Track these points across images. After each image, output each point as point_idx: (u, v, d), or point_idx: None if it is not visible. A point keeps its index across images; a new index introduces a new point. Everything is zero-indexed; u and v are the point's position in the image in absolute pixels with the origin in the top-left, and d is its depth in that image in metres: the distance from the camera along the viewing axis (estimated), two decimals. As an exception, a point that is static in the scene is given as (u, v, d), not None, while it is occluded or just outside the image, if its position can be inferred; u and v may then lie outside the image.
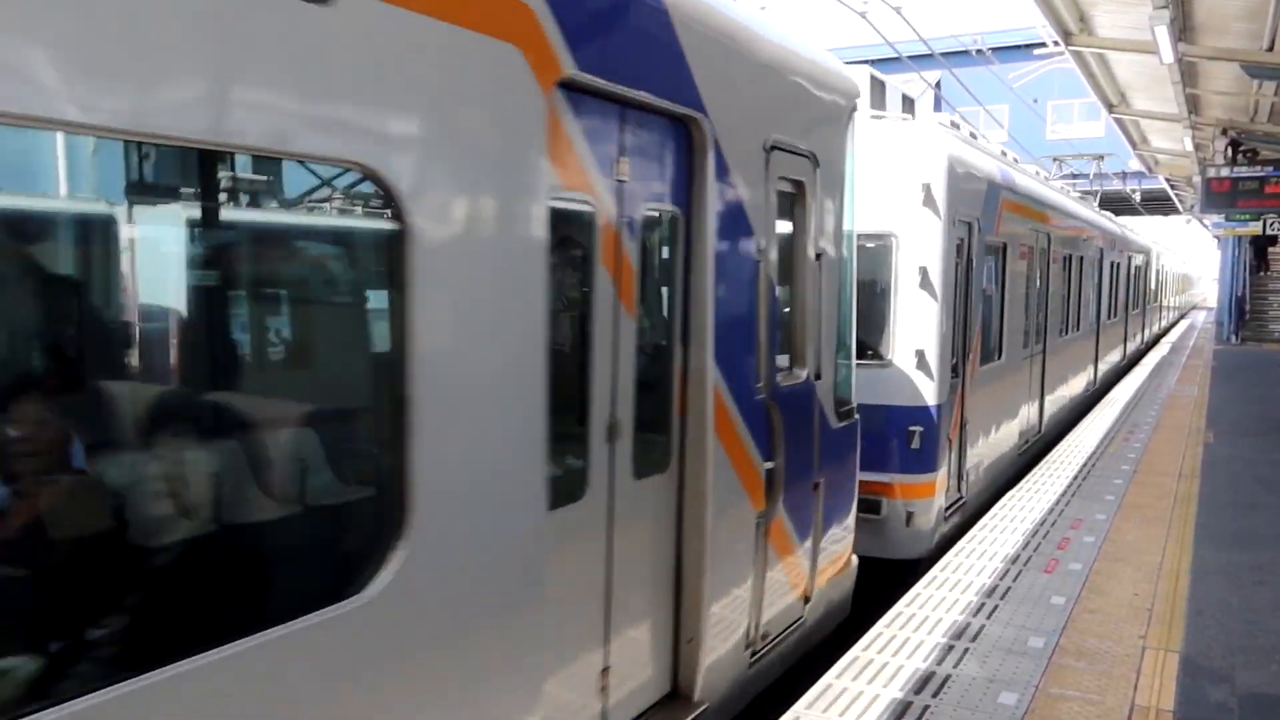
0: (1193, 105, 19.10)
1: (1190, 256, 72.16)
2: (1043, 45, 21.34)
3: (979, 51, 21.12)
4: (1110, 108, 21.24)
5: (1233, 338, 33.78)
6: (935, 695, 5.08)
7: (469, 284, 3.05)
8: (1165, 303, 42.37)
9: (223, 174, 2.78)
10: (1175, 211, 48.58)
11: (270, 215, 3.13)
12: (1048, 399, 13.42)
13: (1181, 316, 55.41)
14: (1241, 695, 5.20)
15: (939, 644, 5.76)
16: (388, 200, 2.77)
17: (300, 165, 2.83)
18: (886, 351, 8.16)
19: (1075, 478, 10.43)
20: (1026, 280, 11.76)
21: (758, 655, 5.22)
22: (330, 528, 3.09)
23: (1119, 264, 21.20)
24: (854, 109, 6.25)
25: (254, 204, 3.03)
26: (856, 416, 6.47)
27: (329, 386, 3.18)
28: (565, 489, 3.78)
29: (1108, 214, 21.85)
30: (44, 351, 2.54)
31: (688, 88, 4.27)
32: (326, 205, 3.15)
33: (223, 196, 2.85)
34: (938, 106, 22.04)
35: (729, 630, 4.92)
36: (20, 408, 2.30)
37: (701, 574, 4.58)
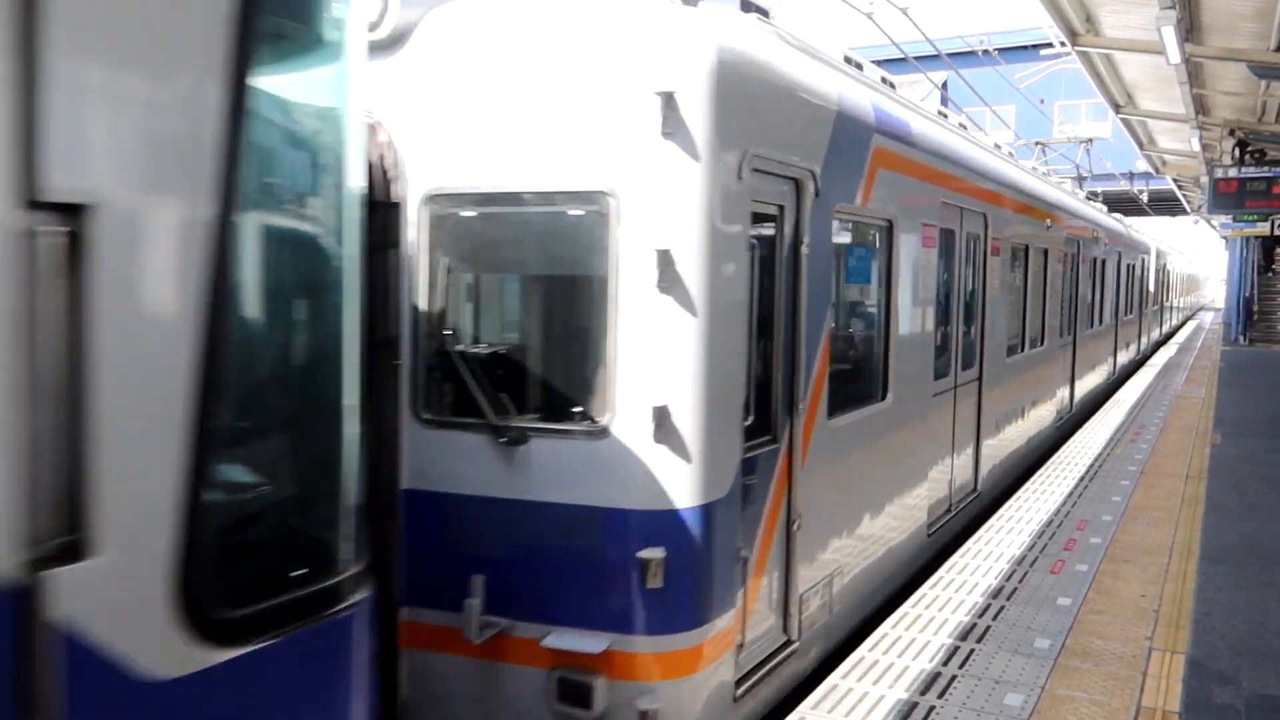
0: (1200, 106, 19.05)
1: (1196, 256, 71.94)
2: (1049, 46, 21.31)
3: (985, 52, 21.06)
4: (1117, 108, 21.20)
5: (1240, 338, 33.72)
6: (941, 696, 5.08)
7: None
8: (1172, 302, 42.12)
9: None
10: (1183, 212, 48.45)
11: None
12: (986, 453, 9.62)
13: (1189, 318, 55.18)
14: (1248, 697, 5.19)
15: (945, 645, 5.76)
16: None
17: None
18: (600, 410, 4.41)
19: (1082, 479, 10.41)
20: (941, 280, 8.20)
21: None
22: None
23: (1106, 261, 17.59)
24: None
25: None
26: None
27: None
28: None
29: (1098, 205, 19.62)
30: None
31: None
32: None
33: None
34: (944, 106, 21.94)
35: None
36: None
37: None
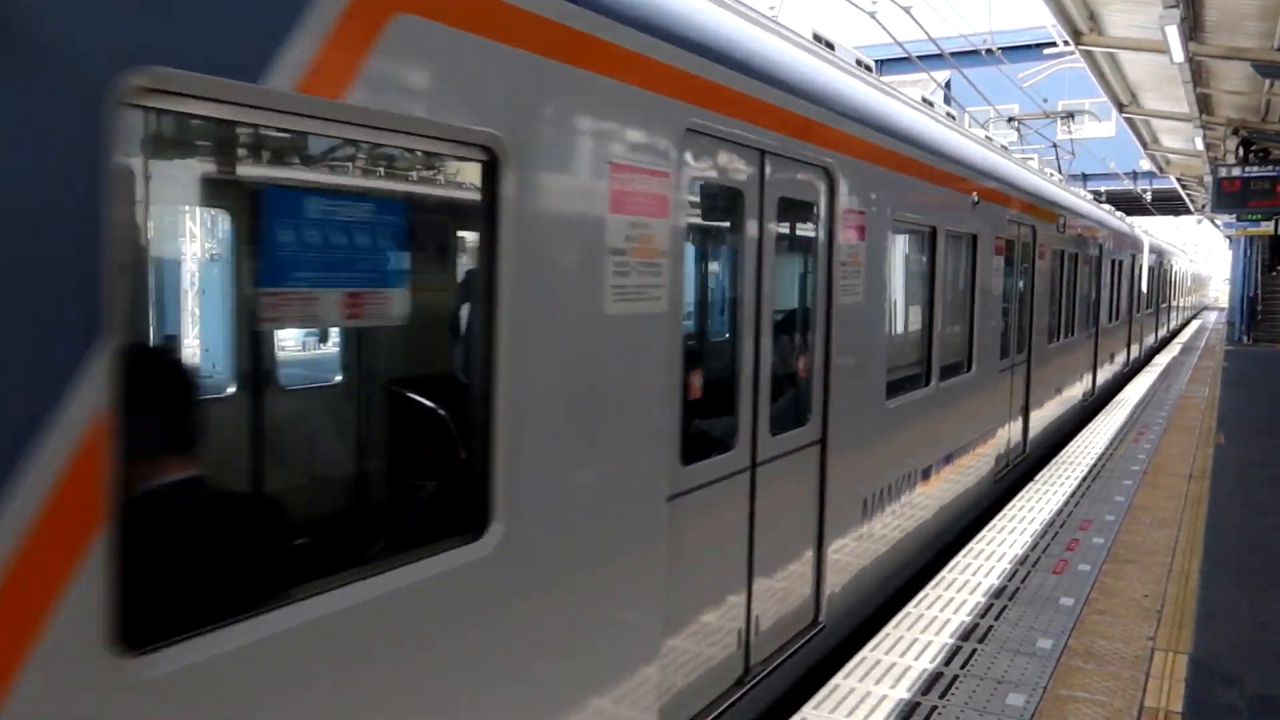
0: (1204, 105, 19.02)
1: (1199, 253, 71.68)
2: (1053, 45, 21.29)
3: (988, 51, 21.03)
4: (1121, 107, 21.19)
5: (1244, 338, 33.65)
6: (943, 696, 5.07)
7: None
8: (1176, 302, 42.02)
9: None
10: (1186, 211, 48.41)
11: None
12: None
13: (1193, 317, 55.01)
14: (1251, 698, 5.18)
15: (947, 645, 5.75)
16: None
17: None
18: None
19: (1084, 479, 10.39)
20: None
21: None
22: None
23: (1092, 259, 15.38)
24: None
25: None
26: None
27: None
28: None
29: (1079, 190, 17.64)
30: None
31: None
32: None
33: None
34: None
35: None
36: None
37: None
